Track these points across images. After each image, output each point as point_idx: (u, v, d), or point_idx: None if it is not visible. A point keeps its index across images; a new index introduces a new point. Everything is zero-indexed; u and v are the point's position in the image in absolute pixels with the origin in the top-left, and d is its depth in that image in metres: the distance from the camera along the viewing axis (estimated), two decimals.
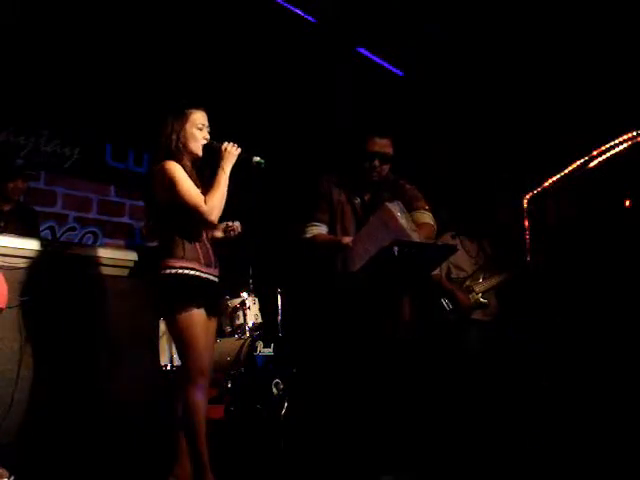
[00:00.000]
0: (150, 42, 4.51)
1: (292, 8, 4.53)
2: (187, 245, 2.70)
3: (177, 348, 2.84)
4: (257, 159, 2.82)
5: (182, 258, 2.68)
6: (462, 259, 4.17)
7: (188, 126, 2.76)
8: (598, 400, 3.08)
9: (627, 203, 3.02)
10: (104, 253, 3.37)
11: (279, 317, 4.52)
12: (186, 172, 2.71)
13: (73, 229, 4.72)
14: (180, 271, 2.66)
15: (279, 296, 4.57)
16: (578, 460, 2.93)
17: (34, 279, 3.06)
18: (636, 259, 3.02)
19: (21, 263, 3.04)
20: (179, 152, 2.73)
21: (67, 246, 3.43)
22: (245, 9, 4.41)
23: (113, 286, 3.34)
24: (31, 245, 3.10)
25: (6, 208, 4.01)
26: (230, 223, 2.95)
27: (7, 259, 2.99)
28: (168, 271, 2.67)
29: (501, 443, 3.40)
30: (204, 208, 2.65)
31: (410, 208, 3.11)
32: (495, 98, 4.90)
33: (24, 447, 2.91)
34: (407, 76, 5.28)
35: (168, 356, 4.17)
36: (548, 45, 4.44)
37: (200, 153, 2.78)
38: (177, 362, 4.18)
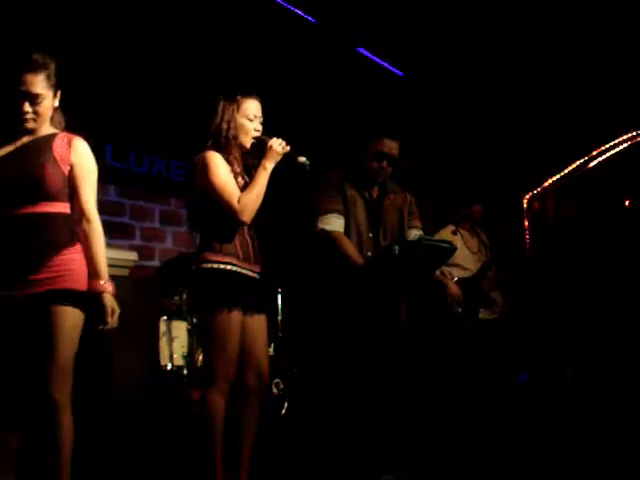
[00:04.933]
0: (150, 42, 4.51)
1: (292, 8, 4.53)
2: (225, 239, 2.58)
3: (204, 347, 2.73)
4: (303, 159, 2.67)
5: (219, 252, 2.56)
6: (465, 257, 4.16)
7: (238, 116, 2.65)
8: (597, 401, 3.08)
9: (627, 203, 3.02)
10: None
11: (279, 317, 4.52)
12: (231, 164, 2.61)
13: None
14: (216, 266, 2.55)
15: (279, 296, 4.57)
16: (579, 460, 2.93)
17: None
18: (636, 259, 3.02)
19: None
20: (228, 143, 2.62)
21: None
22: (245, 9, 4.41)
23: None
24: None
25: None
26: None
27: None
28: (204, 265, 2.56)
29: (501, 443, 3.40)
30: (235, 206, 2.54)
31: (409, 225, 3.32)
32: (495, 98, 4.90)
33: (23, 447, 2.90)
34: (407, 76, 5.28)
35: (168, 356, 4.17)
36: (548, 45, 4.44)
37: (248, 146, 2.67)
38: (177, 362, 4.19)
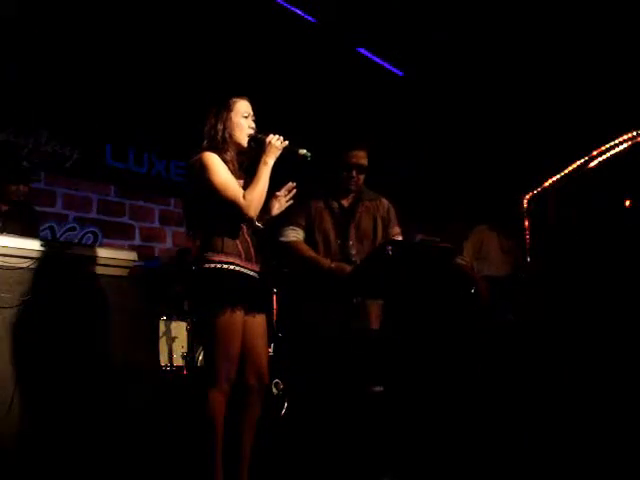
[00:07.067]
0: (150, 42, 4.51)
1: (292, 8, 4.53)
2: (226, 239, 2.60)
3: (205, 346, 2.72)
4: (303, 151, 2.71)
5: (221, 252, 2.57)
6: (494, 255, 4.15)
7: (233, 115, 2.68)
8: (596, 402, 3.08)
9: (627, 203, 3.02)
10: (104, 253, 3.36)
11: (275, 317, 4.53)
12: (228, 163, 2.62)
13: (73, 229, 4.72)
14: (219, 266, 2.56)
15: (274, 296, 4.57)
16: (579, 460, 2.92)
17: (34, 279, 3.05)
18: (636, 259, 3.02)
19: (21, 263, 3.04)
20: (225, 142, 2.65)
21: (67, 246, 3.42)
22: (245, 9, 4.41)
23: (113, 286, 3.33)
24: (31, 245, 3.09)
25: (4, 208, 3.99)
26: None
27: (7, 259, 2.98)
28: (207, 265, 2.56)
29: (501, 443, 3.40)
30: (242, 202, 2.56)
31: (385, 233, 3.36)
32: (495, 98, 4.90)
33: (24, 447, 2.91)
34: (407, 76, 5.28)
35: (168, 356, 4.17)
36: (548, 45, 4.45)
37: (245, 144, 2.69)
38: (177, 362, 4.19)
